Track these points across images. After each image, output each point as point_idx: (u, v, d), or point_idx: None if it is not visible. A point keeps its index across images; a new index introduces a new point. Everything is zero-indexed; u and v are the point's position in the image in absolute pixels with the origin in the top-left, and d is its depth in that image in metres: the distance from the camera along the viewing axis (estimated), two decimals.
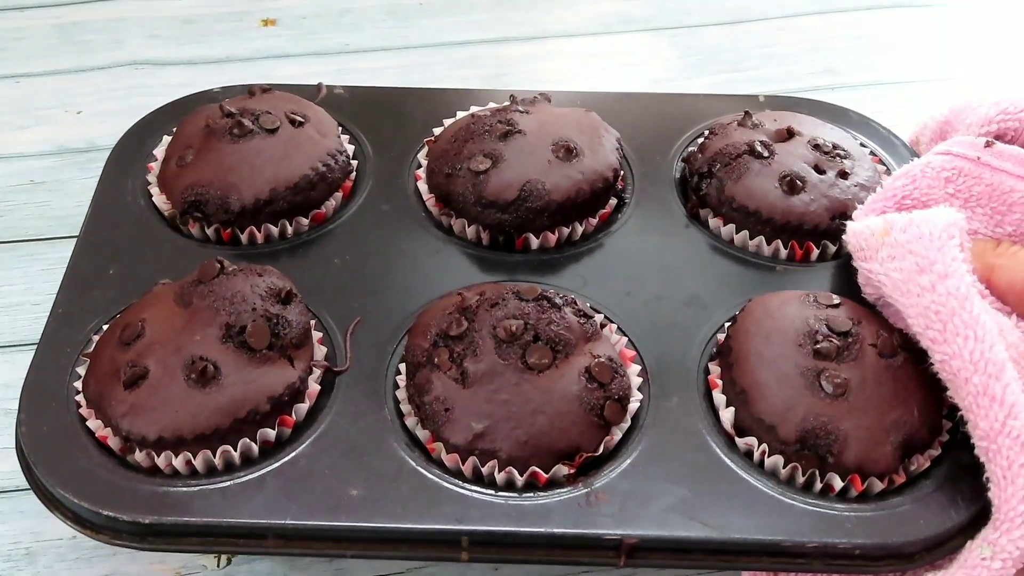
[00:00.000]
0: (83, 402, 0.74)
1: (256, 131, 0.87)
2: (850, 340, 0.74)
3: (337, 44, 1.24)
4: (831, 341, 0.74)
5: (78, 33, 1.10)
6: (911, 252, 0.75)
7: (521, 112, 0.89)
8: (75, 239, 0.85)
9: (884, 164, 0.94)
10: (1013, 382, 0.69)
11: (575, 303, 0.77)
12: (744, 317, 0.78)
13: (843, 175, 0.87)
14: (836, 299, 0.78)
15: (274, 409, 0.72)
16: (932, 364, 0.73)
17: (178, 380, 0.71)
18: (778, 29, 1.28)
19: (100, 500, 0.70)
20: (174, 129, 0.93)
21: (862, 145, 0.94)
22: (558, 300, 0.76)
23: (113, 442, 0.73)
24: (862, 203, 0.85)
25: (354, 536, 0.70)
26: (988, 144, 0.82)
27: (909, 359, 0.75)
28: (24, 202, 0.78)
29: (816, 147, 0.88)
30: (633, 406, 0.75)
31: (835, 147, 0.89)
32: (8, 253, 0.75)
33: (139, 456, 0.72)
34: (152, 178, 0.90)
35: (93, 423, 0.73)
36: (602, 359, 0.74)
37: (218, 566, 0.78)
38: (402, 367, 0.77)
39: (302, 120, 0.89)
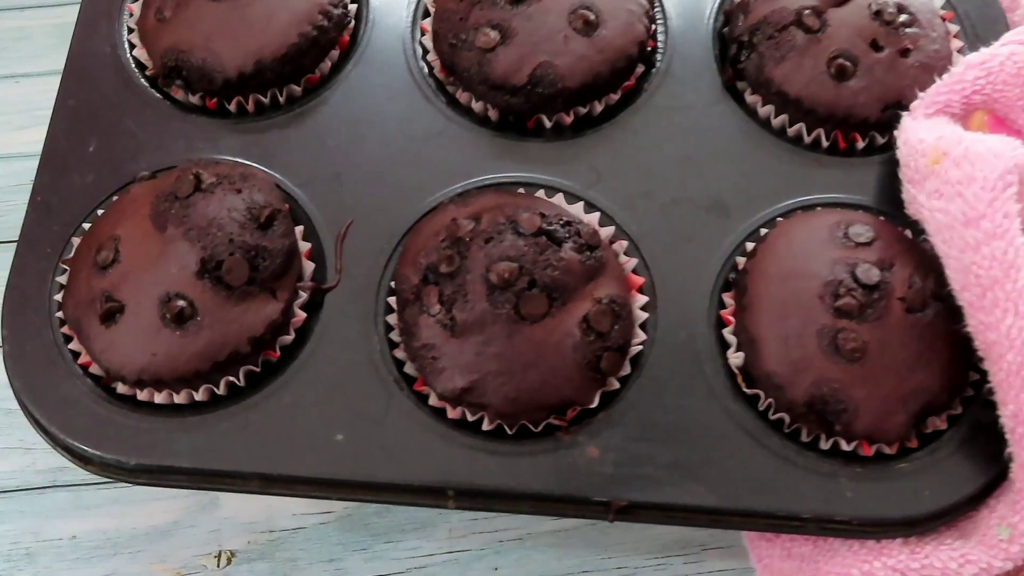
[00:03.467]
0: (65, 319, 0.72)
1: None
2: (875, 296, 0.68)
3: None
4: (854, 296, 0.67)
5: None
6: (960, 195, 0.66)
7: None
8: None
9: (960, 21, 0.81)
10: None
11: (579, 233, 0.70)
12: (765, 251, 0.71)
13: (904, 52, 0.76)
14: (870, 232, 0.70)
15: (255, 348, 0.69)
16: (966, 325, 0.67)
17: (154, 318, 0.68)
18: None
19: (85, 436, 0.69)
20: None
21: None
22: (560, 233, 0.69)
23: (96, 369, 0.71)
24: (923, 88, 0.74)
25: (338, 483, 0.69)
26: None
27: (940, 312, 0.68)
28: (24, 202, 0.75)
29: (877, 14, 0.76)
30: (635, 350, 0.70)
31: (900, 10, 0.77)
32: (8, 253, 0.73)
33: (122, 387, 0.70)
34: (133, 24, 0.82)
35: (76, 345, 0.71)
36: (603, 303, 0.69)
37: (218, 566, 0.78)
38: (394, 286, 0.72)
39: None
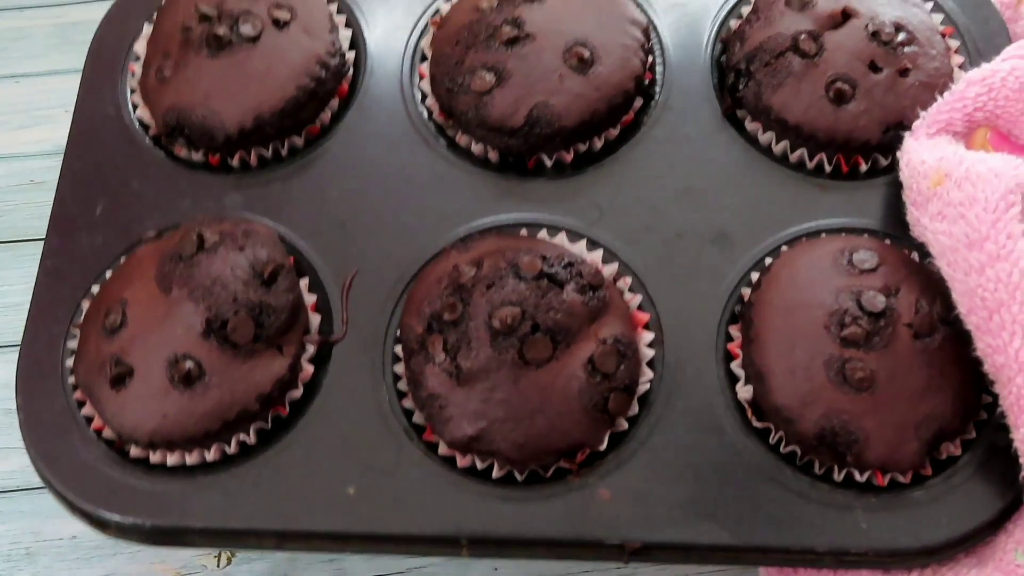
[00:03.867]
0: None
1: (235, 41, 0.78)
2: (882, 323, 0.67)
3: None
4: (860, 325, 0.67)
5: (78, 33, 1.04)
6: (963, 217, 0.66)
7: (532, 1, 0.77)
8: None
9: (960, 36, 0.80)
10: None
11: (580, 274, 0.70)
12: (769, 283, 0.70)
13: (903, 72, 0.75)
14: (874, 259, 0.69)
15: (264, 406, 0.70)
16: (975, 349, 0.66)
17: (163, 380, 0.69)
18: None
19: (101, 502, 0.70)
20: (155, 16, 0.84)
21: (934, 10, 0.80)
22: (561, 275, 0.69)
23: (108, 432, 0.71)
24: (924, 107, 0.74)
25: (351, 536, 0.69)
26: None
27: (949, 336, 0.67)
28: (24, 202, 0.77)
29: (875, 34, 0.75)
30: (642, 388, 0.70)
31: (898, 29, 0.76)
32: (8, 253, 0.75)
33: (135, 451, 0.71)
34: (135, 83, 0.83)
35: (88, 410, 0.72)
36: (607, 343, 0.68)
37: (218, 566, 0.78)
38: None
39: (287, 18, 0.79)
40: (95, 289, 0.75)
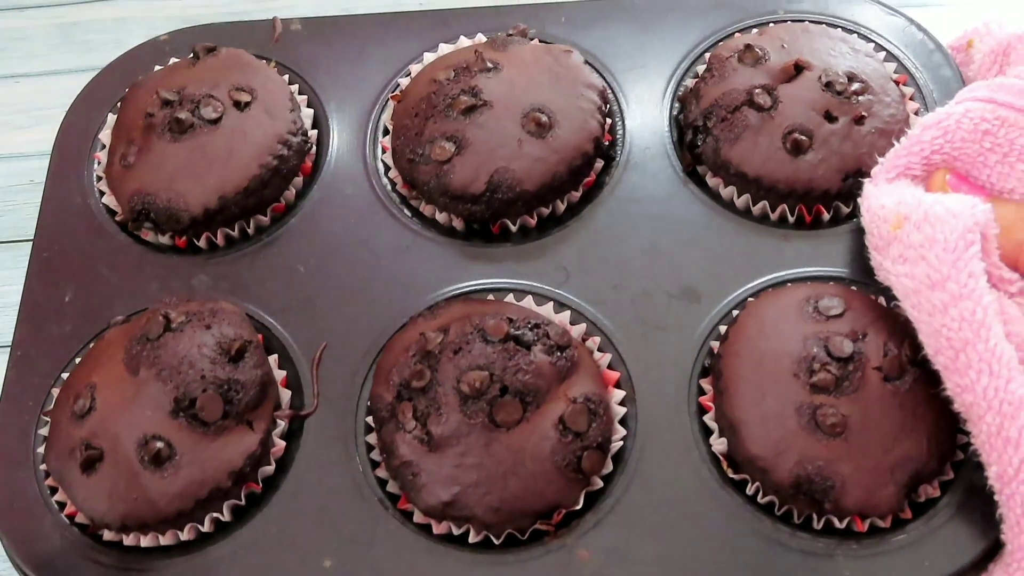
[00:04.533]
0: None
1: (197, 124, 0.79)
2: (851, 368, 0.67)
3: None
4: (829, 371, 0.67)
5: (78, 33, 1.06)
6: (923, 259, 0.66)
7: (488, 71, 0.78)
8: None
9: (914, 83, 0.81)
10: None
11: (547, 335, 0.70)
12: (736, 334, 0.70)
13: (859, 120, 0.76)
14: (840, 305, 0.70)
15: (236, 482, 0.69)
16: (945, 389, 0.66)
17: (133, 462, 0.68)
18: None
19: None
20: (118, 104, 0.85)
21: (888, 59, 0.82)
22: (528, 336, 0.69)
23: (82, 518, 0.71)
24: (881, 154, 0.74)
25: None
26: None
27: (920, 377, 0.67)
28: (24, 202, 0.77)
29: (828, 85, 0.76)
30: (616, 446, 0.70)
31: (851, 79, 0.77)
32: (8, 253, 0.75)
33: (108, 534, 0.70)
34: (101, 171, 0.83)
35: (61, 496, 0.71)
36: (578, 403, 0.68)
37: None
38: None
39: (248, 99, 0.80)
40: (65, 376, 0.75)
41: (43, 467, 0.72)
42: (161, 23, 1.06)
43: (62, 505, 0.72)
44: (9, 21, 1.07)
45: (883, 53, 0.82)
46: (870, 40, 0.82)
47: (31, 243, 0.81)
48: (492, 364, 0.68)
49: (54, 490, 0.72)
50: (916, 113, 0.79)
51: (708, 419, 0.70)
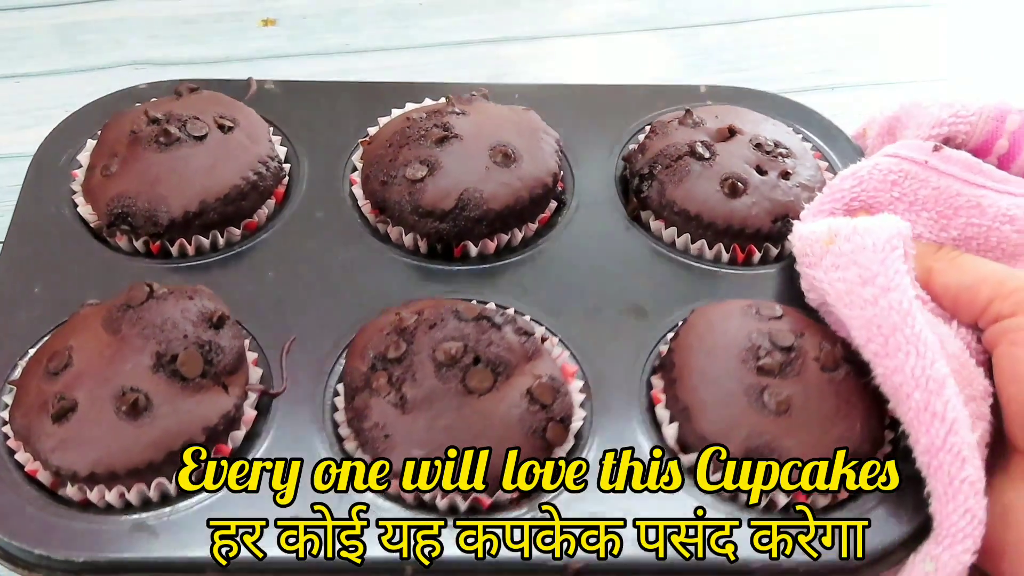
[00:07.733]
0: (10, 433, 0.72)
1: (183, 138, 0.84)
2: (792, 355, 0.74)
3: (337, 44, 1.22)
4: (773, 356, 0.73)
5: (78, 33, 1.08)
6: (855, 263, 0.74)
7: (457, 114, 0.87)
8: None
9: (827, 159, 0.93)
10: (954, 397, 0.69)
11: (515, 321, 0.75)
12: (686, 331, 0.77)
13: (785, 175, 0.86)
14: (779, 310, 0.77)
15: (209, 439, 0.70)
16: (874, 378, 0.73)
17: (108, 412, 0.69)
18: (779, 29, 1.27)
19: (31, 538, 0.68)
20: (99, 133, 0.89)
21: (804, 140, 0.93)
22: (498, 319, 0.75)
23: (43, 476, 0.71)
24: (804, 204, 0.84)
25: (301, 568, 0.68)
26: (936, 148, 0.81)
27: (852, 372, 0.74)
28: None
29: (758, 146, 0.87)
30: (576, 425, 0.74)
31: (777, 145, 0.88)
32: None
33: (71, 491, 0.70)
34: (77, 186, 0.87)
35: (22, 456, 0.71)
36: (544, 379, 0.73)
37: None
38: (340, 388, 0.75)
39: (231, 125, 0.86)
40: (33, 351, 0.76)
41: (4, 428, 0.72)
42: (159, 23, 1.11)
43: (21, 467, 0.71)
44: (9, 21, 1.09)
45: (800, 135, 0.93)
46: (789, 125, 0.94)
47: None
48: (466, 336, 0.73)
49: (13, 453, 0.72)
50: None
51: (659, 409, 0.75)
